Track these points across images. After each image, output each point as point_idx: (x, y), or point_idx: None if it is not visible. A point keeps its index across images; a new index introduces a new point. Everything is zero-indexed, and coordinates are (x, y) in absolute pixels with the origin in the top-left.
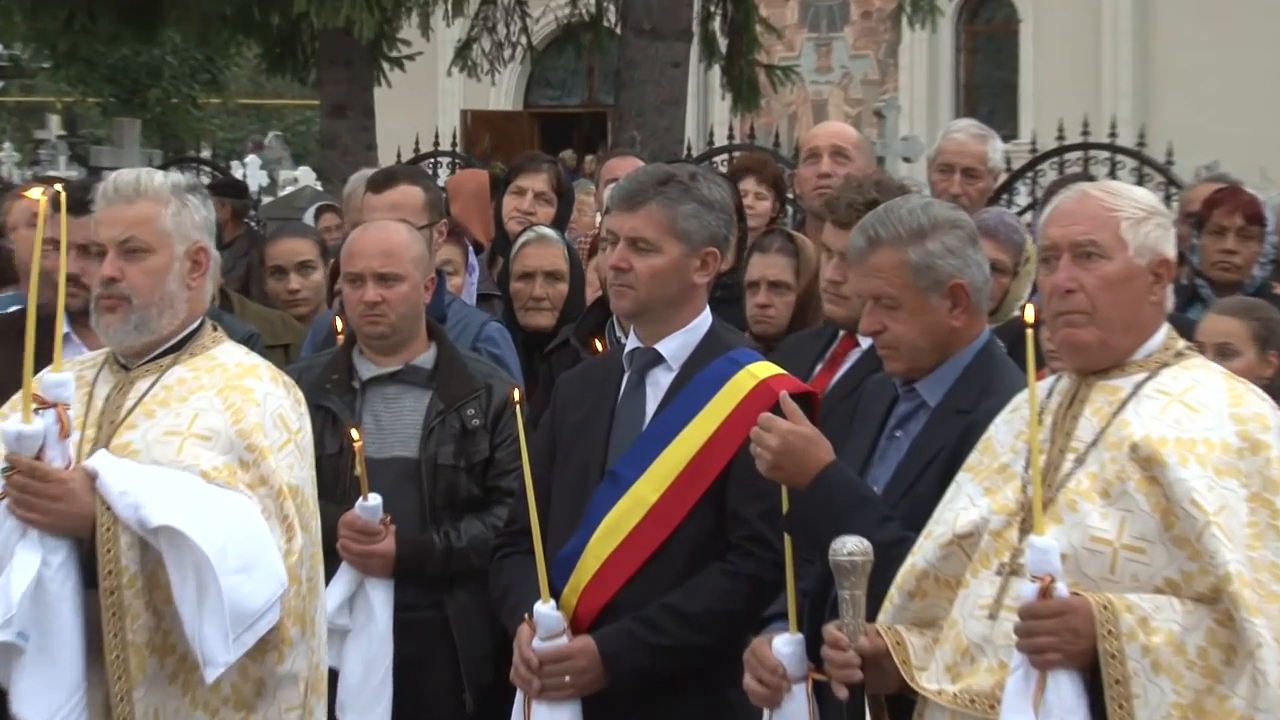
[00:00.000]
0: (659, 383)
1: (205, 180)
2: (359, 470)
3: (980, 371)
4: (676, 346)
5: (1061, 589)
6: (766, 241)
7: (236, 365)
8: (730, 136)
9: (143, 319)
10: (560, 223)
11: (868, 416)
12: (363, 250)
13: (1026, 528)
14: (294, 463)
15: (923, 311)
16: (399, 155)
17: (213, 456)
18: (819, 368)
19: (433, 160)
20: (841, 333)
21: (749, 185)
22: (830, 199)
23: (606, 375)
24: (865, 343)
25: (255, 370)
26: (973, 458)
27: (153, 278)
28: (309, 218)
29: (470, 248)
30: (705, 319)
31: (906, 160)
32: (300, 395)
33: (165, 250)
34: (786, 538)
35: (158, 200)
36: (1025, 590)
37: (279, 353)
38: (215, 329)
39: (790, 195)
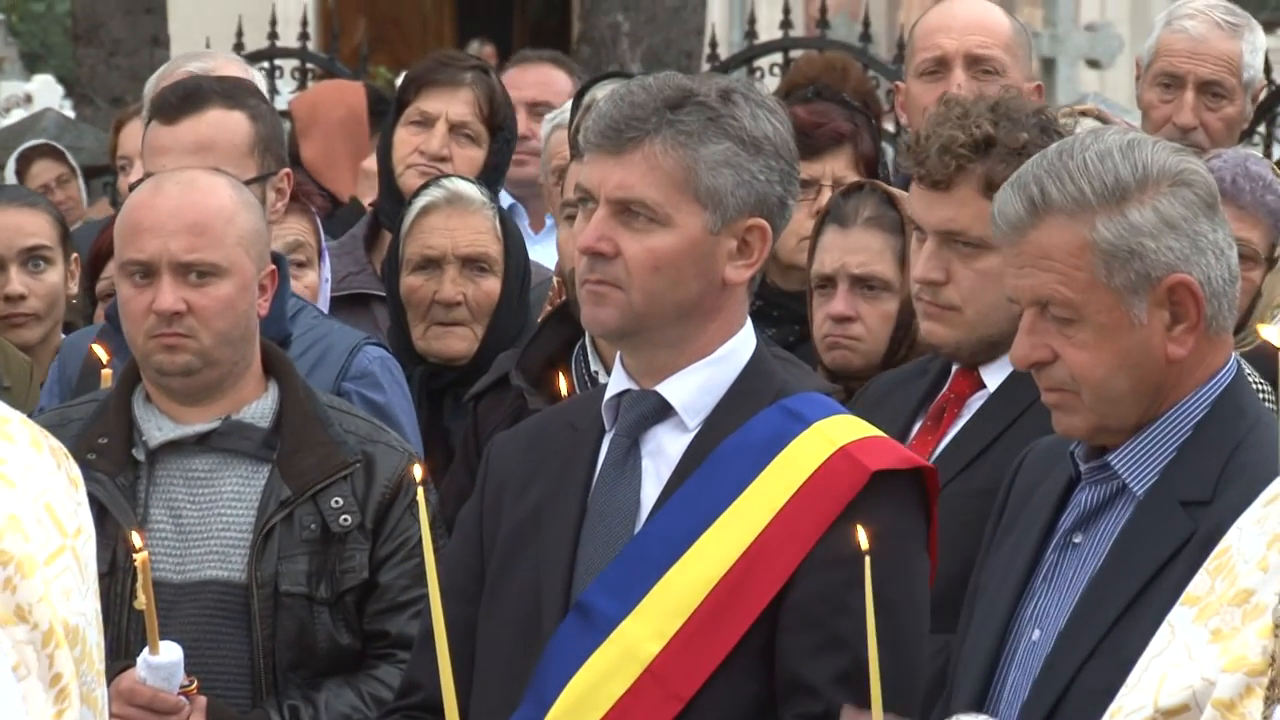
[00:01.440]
0: (664, 451)
1: None
2: (142, 602)
3: (1222, 437)
4: (695, 390)
5: None
6: (849, 206)
7: None
8: (785, 24)
9: None
10: (494, 175)
11: (1025, 509)
12: (152, 223)
13: None
14: (71, 585)
15: (1121, 328)
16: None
17: None
18: (917, 426)
19: (268, 65)
20: (955, 368)
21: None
22: (916, 139)
23: (573, 439)
24: (994, 381)
25: (4, 424)
26: (1196, 582)
27: None
28: (10, 172)
29: (319, 221)
30: (745, 342)
31: (1093, 65)
32: (77, 471)
33: None
34: None
35: None
36: None
37: None
38: None
39: (892, 127)
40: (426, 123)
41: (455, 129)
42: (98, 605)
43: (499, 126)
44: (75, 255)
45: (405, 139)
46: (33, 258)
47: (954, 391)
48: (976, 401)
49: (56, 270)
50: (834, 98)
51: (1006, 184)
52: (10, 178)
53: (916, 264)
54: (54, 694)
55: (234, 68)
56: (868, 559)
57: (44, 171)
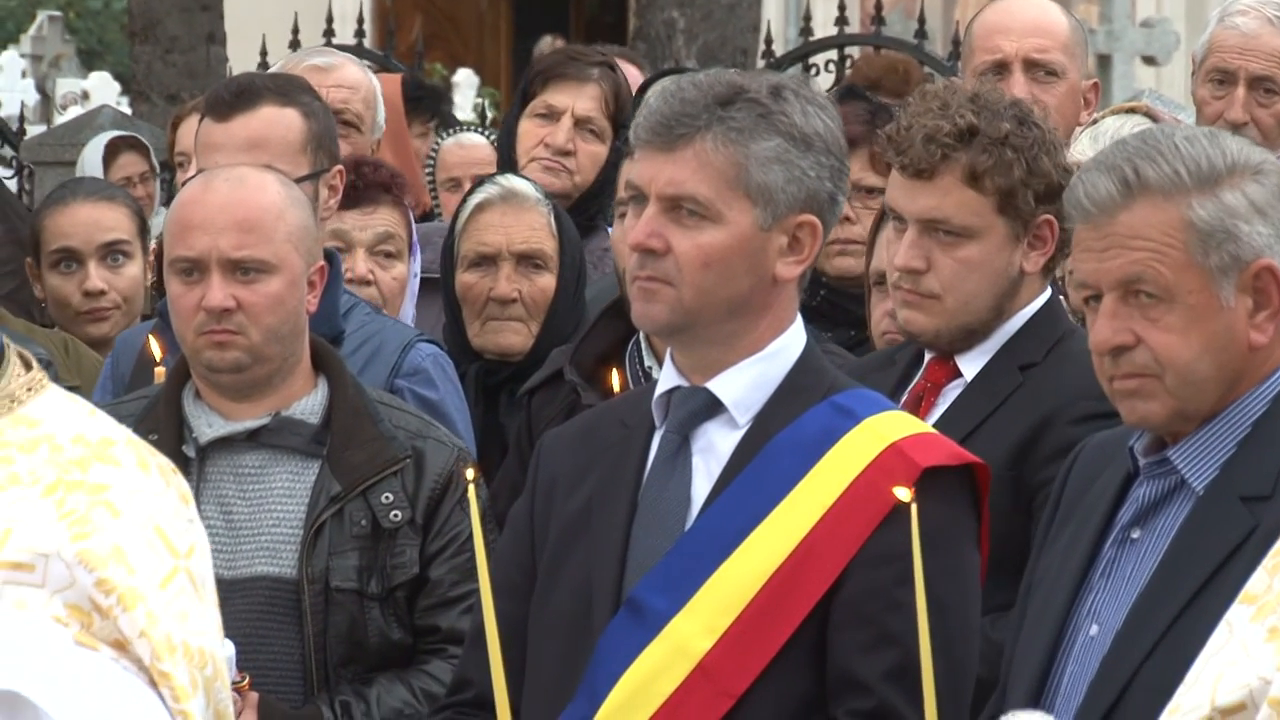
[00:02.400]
0: (714, 448)
1: None
2: None
3: None
4: (745, 386)
5: None
6: None
7: (75, 439)
8: (841, 21)
9: None
10: (607, 181)
11: (1081, 503)
12: (201, 220)
13: None
14: (188, 607)
15: (1210, 310)
16: (264, 53)
17: (37, 599)
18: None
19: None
20: (928, 357)
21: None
22: (896, 129)
23: (624, 435)
24: (970, 370)
25: (109, 448)
26: (1255, 580)
27: None
28: (93, 160)
29: (411, 215)
30: (795, 338)
31: (1149, 61)
32: (186, 487)
33: None
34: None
35: None
36: None
37: None
38: (29, 365)
39: None
40: (552, 116)
41: (580, 124)
42: (219, 618)
43: (623, 124)
44: (153, 247)
45: (530, 131)
46: (112, 252)
47: (930, 380)
48: (953, 391)
49: (135, 264)
50: (861, 96)
51: (1088, 167)
52: (96, 162)
53: (897, 253)
54: None
55: (353, 67)
56: (915, 538)
57: (129, 165)
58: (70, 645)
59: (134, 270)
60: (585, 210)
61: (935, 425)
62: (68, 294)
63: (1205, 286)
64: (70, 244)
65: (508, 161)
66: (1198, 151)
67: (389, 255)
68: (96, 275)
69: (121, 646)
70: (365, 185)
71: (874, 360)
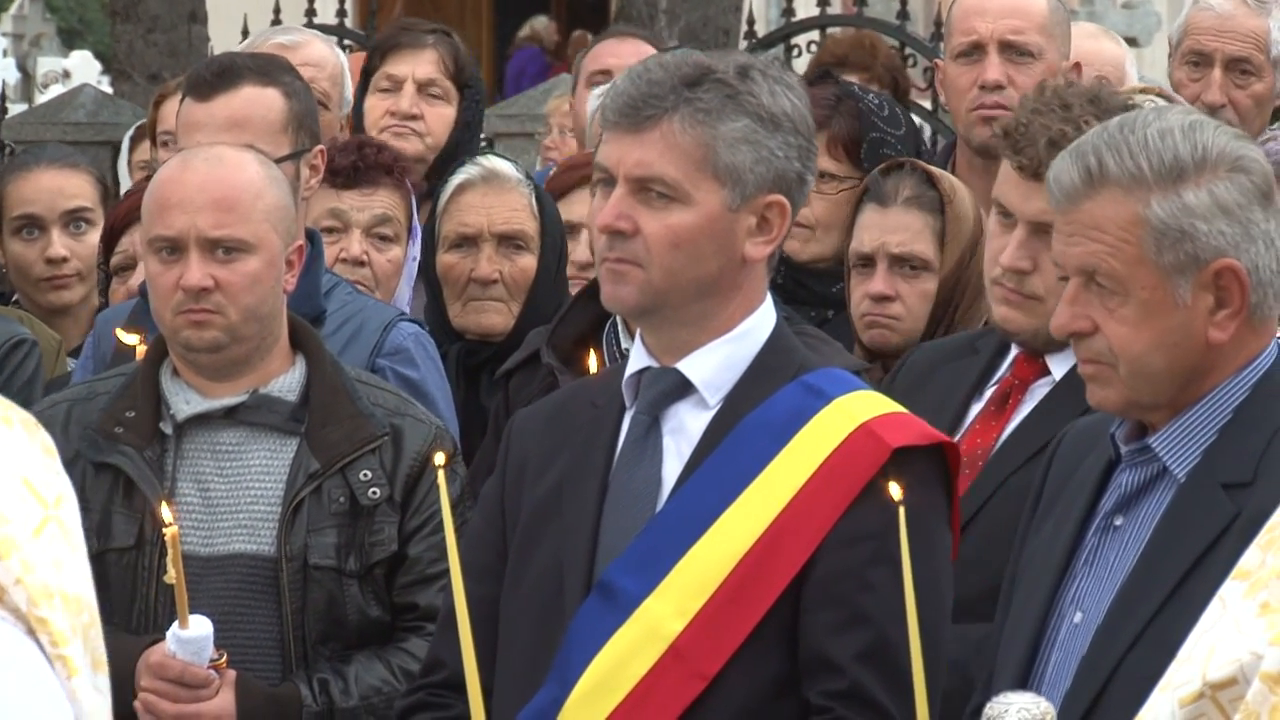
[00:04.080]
0: (685, 428)
1: None
2: (172, 576)
3: (1262, 419)
4: (715, 367)
5: None
6: (888, 184)
7: None
8: (823, 2)
9: None
10: (467, 132)
11: (1064, 491)
12: (179, 199)
13: None
14: (61, 555)
15: (1164, 307)
16: (245, 33)
17: None
18: (975, 408)
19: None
20: (1015, 352)
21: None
22: (1014, 125)
23: (594, 416)
24: (1060, 369)
25: None
26: (1248, 557)
27: None
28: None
29: (414, 197)
30: (765, 318)
31: (1131, 43)
32: (50, 440)
33: None
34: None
35: None
36: None
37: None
38: None
39: (929, 104)
40: (395, 86)
41: (423, 88)
42: (88, 568)
43: (466, 84)
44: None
45: (375, 105)
46: (74, 219)
47: (1017, 376)
48: (1041, 389)
49: (97, 231)
50: (832, 79)
51: (1065, 152)
52: (123, 152)
53: (1005, 251)
54: (63, 671)
55: (320, 44)
56: (903, 523)
57: (148, 151)
58: None
59: (96, 238)
60: (444, 171)
61: (1022, 423)
62: (29, 260)
63: (1159, 283)
64: (33, 210)
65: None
66: (1167, 146)
67: (385, 238)
68: (59, 242)
69: None
70: (366, 166)
71: (954, 345)
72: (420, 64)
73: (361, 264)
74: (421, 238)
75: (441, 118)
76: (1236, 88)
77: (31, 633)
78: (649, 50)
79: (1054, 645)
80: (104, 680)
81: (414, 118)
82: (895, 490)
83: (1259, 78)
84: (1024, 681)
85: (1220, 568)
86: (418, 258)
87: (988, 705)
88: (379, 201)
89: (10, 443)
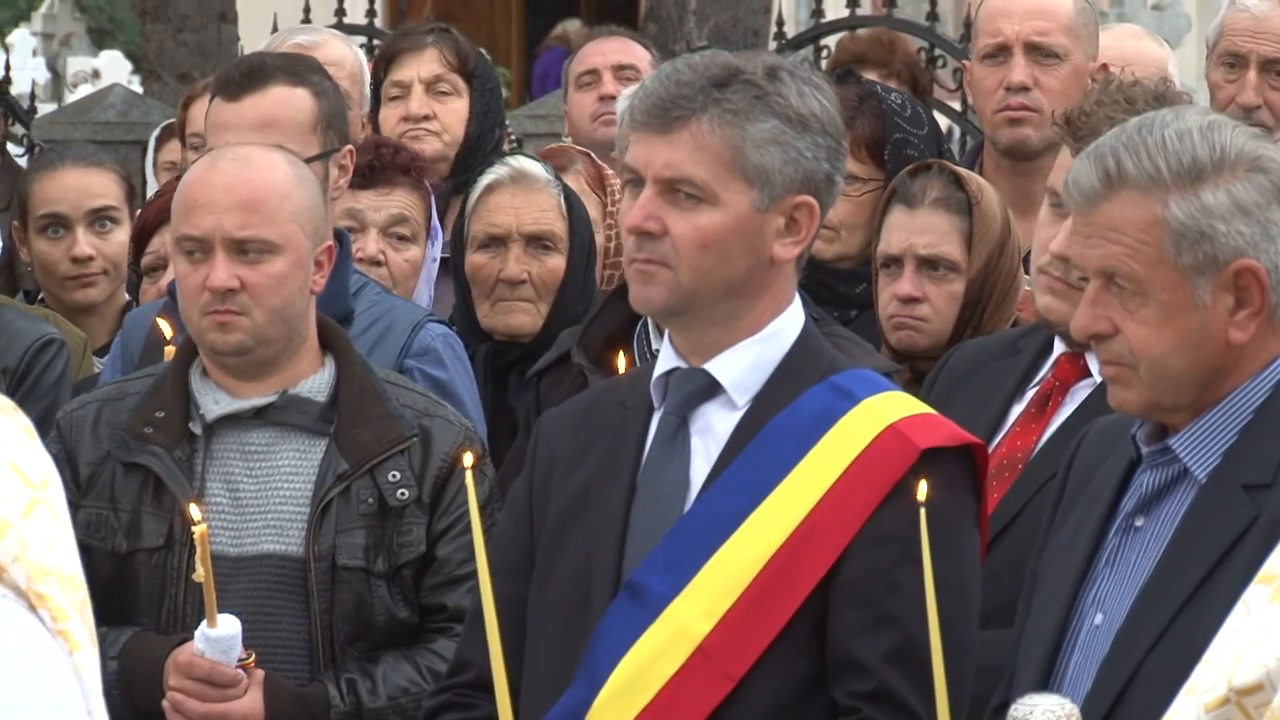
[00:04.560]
0: (713, 429)
1: None
2: (201, 575)
3: None
4: (744, 368)
5: None
6: (916, 186)
7: None
8: (852, 3)
9: None
10: (486, 120)
11: (1085, 491)
12: (206, 200)
13: None
14: (52, 534)
15: (1184, 308)
16: (275, 30)
17: None
18: (1016, 410)
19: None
20: (1057, 353)
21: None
22: (1077, 114)
23: (623, 416)
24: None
25: None
26: (1272, 561)
27: None
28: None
29: (433, 195)
30: (794, 319)
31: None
32: (29, 421)
33: None
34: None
35: None
36: None
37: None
38: None
39: (959, 105)
40: (403, 92)
41: (430, 87)
42: (75, 548)
43: (473, 74)
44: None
45: (389, 114)
46: (100, 218)
47: (1059, 378)
48: (1082, 390)
49: (123, 230)
50: (855, 79)
51: (1084, 154)
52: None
53: (1055, 238)
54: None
55: (338, 44)
56: (924, 522)
57: (174, 151)
58: None
59: (122, 236)
60: (469, 165)
61: (1064, 425)
62: (55, 259)
63: (1179, 284)
64: (58, 209)
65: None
66: (1185, 147)
67: (402, 238)
68: (84, 241)
69: None
70: (382, 166)
71: (995, 345)
72: (423, 64)
73: (378, 264)
74: (451, 238)
75: (454, 112)
76: (1272, 89)
77: (32, 609)
78: (636, 49)
79: (1075, 646)
80: (96, 658)
81: (427, 118)
82: (922, 489)
83: None
84: (1045, 682)
85: (1241, 569)
86: (438, 259)
87: (1013, 707)
88: (395, 201)
89: None
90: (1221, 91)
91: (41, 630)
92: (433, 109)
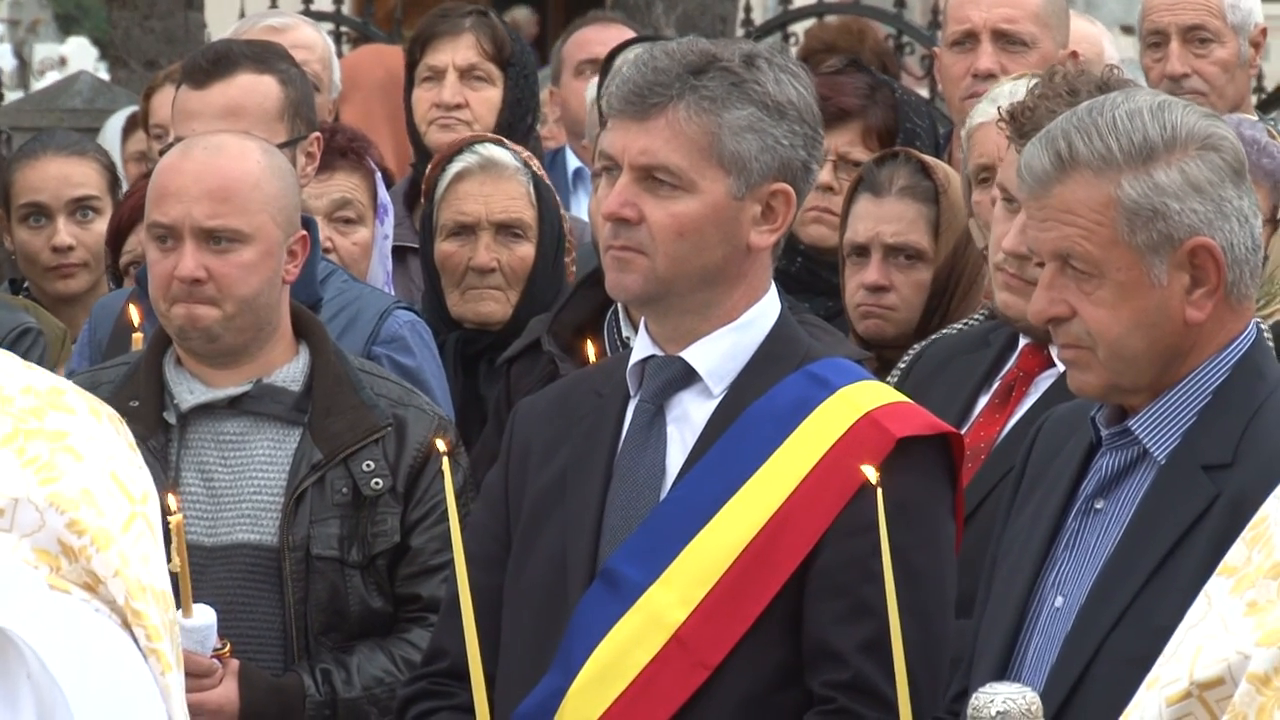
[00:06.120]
0: (689, 417)
1: None
2: (177, 565)
3: (1242, 401)
4: (720, 355)
5: None
6: (882, 174)
7: (25, 390)
8: None
9: None
10: (519, 109)
11: (1044, 475)
12: (177, 188)
13: None
14: (149, 550)
15: (1140, 287)
16: (242, 16)
17: (5, 544)
18: (982, 401)
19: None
20: (1023, 342)
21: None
22: (1021, 109)
23: (598, 404)
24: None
25: (60, 396)
26: (1234, 553)
27: None
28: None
29: (380, 176)
30: (770, 307)
31: (1127, 31)
32: (131, 436)
33: None
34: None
35: None
36: None
37: None
38: None
39: (927, 93)
40: (437, 77)
41: (465, 75)
42: (165, 566)
43: (509, 62)
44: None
45: (421, 98)
46: (81, 207)
47: (1022, 369)
48: (1045, 380)
49: (104, 220)
50: (862, 68)
51: (1035, 139)
52: (115, 136)
53: (1007, 234)
54: (158, 669)
55: (308, 29)
56: (880, 499)
57: (143, 141)
58: (45, 588)
59: (103, 226)
60: None
61: (1026, 415)
62: (36, 249)
63: (1134, 264)
64: (39, 199)
65: (413, 133)
66: (1136, 127)
67: (348, 220)
68: (65, 231)
69: (91, 588)
70: (320, 151)
71: (967, 338)
72: (459, 50)
73: (326, 250)
74: (420, 226)
75: (486, 101)
76: (1197, 57)
77: (126, 625)
78: (619, 32)
79: (1035, 629)
80: (180, 679)
81: (459, 106)
82: (870, 473)
83: (1220, 44)
84: (1005, 666)
85: (1201, 549)
86: (390, 236)
87: (973, 696)
88: (336, 185)
89: (100, 436)
90: (1152, 72)
91: (133, 649)
92: (465, 97)
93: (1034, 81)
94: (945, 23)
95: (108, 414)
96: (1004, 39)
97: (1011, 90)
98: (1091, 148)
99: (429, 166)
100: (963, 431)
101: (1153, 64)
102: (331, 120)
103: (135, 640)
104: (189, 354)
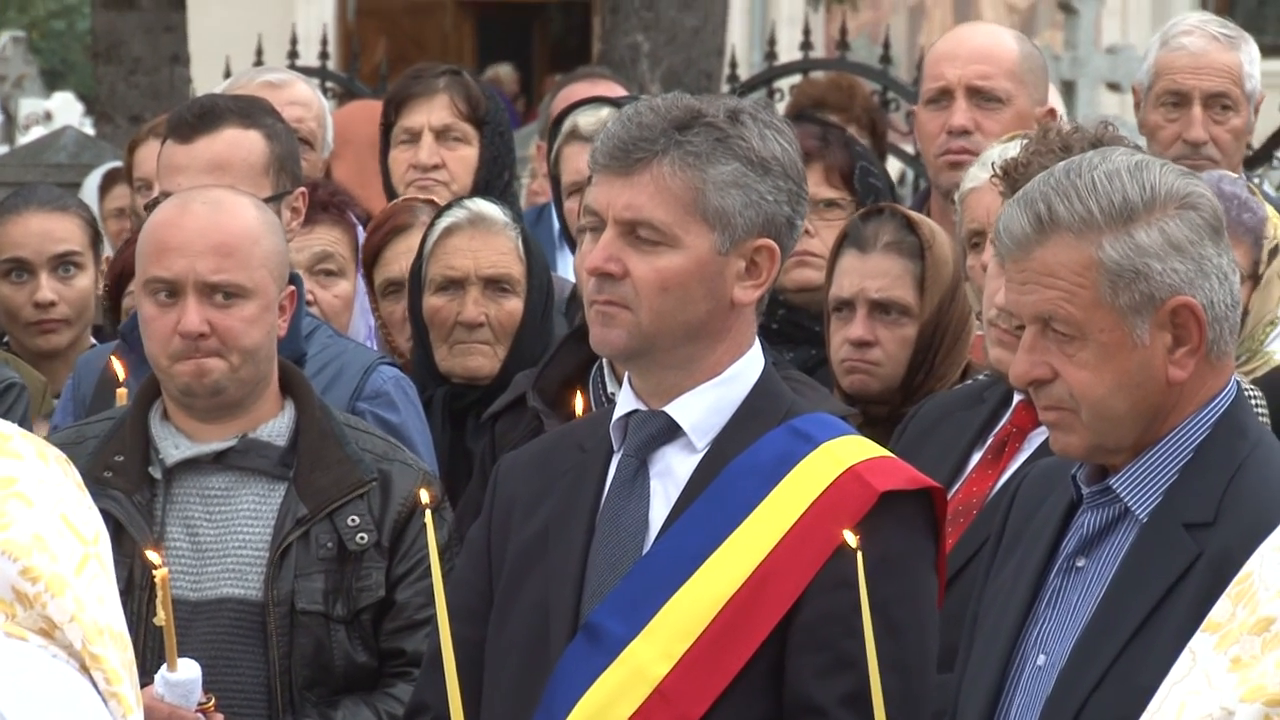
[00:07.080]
0: (672, 472)
1: None
2: (162, 619)
3: (1223, 458)
4: (703, 410)
5: None
6: (868, 229)
7: None
8: (805, 45)
9: None
10: (494, 167)
11: (1025, 532)
12: (179, 243)
13: None
14: (104, 591)
15: (1122, 348)
16: (228, 75)
17: None
18: (976, 457)
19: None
20: (1017, 398)
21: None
22: (1014, 166)
23: (582, 459)
24: None
25: (7, 442)
26: (1219, 609)
27: None
28: (91, 190)
29: (361, 230)
30: (753, 362)
31: (1113, 88)
32: (79, 476)
33: None
34: None
35: None
36: None
37: None
38: None
39: (912, 149)
40: (413, 138)
41: (440, 135)
42: (120, 605)
43: (484, 121)
44: (107, 256)
45: (398, 159)
46: (63, 263)
47: (1015, 424)
48: (1038, 437)
49: (87, 275)
50: (810, 118)
51: (1013, 200)
52: (93, 192)
53: (1000, 290)
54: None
55: (304, 85)
56: (860, 562)
57: (123, 196)
58: (1, 636)
59: (85, 282)
60: None
61: (1016, 471)
62: (18, 305)
63: (1117, 325)
64: (21, 254)
65: (390, 196)
66: (1115, 188)
67: (329, 273)
68: (47, 286)
69: (48, 634)
70: (305, 206)
71: (962, 395)
72: (434, 111)
73: (308, 304)
74: (409, 280)
75: (463, 160)
76: (1215, 124)
77: (85, 670)
78: (607, 87)
79: (1017, 688)
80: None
81: (435, 167)
82: (850, 538)
83: (1236, 112)
84: None
85: (1184, 608)
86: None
87: None
88: (318, 239)
89: (49, 479)
90: (1164, 131)
91: (93, 694)
92: (442, 157)
93: (1026, 140)
94: (923, 80)
95: (54, 455)
96: (978, 95)
97: (1002, 151)
98: (1071, 210)
99: (368, 231)
100: (956, 487)
101: (1164, 122)
102: (323, 176)
103: (95, 685)
104: (178, 408)
